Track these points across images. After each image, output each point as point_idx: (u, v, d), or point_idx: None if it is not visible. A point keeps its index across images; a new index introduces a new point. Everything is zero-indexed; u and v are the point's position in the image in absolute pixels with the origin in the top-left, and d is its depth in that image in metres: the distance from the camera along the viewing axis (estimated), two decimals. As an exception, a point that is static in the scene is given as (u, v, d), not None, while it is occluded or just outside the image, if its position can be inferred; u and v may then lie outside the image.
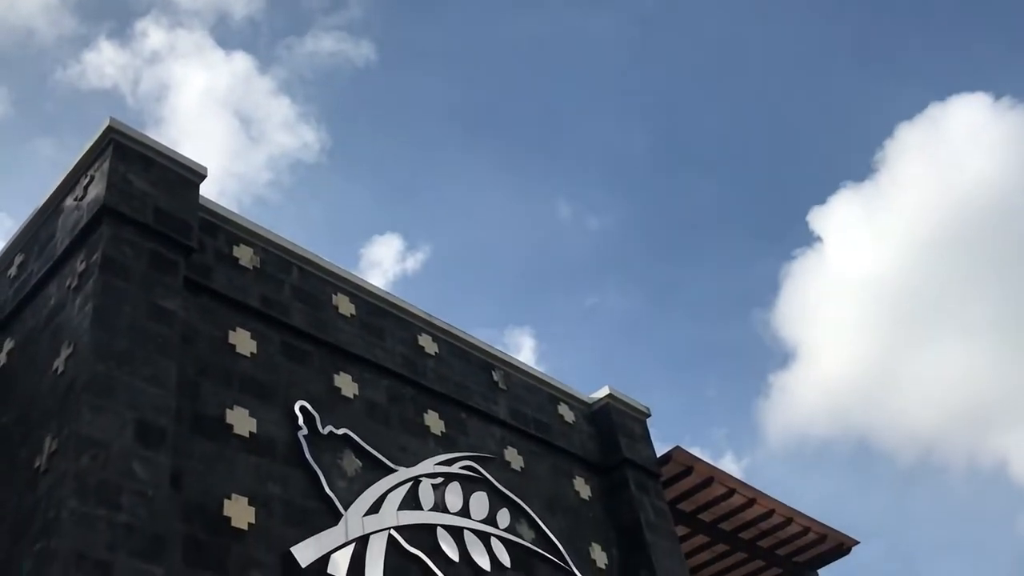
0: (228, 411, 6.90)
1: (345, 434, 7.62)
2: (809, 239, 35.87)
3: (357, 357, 8.26)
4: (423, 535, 7.65)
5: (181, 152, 7.57)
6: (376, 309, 8.82)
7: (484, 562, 7.95)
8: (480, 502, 8.40)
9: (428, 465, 8.18)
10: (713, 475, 11.40)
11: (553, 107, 33.43)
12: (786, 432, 34.03)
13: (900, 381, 32.16)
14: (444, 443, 8.54)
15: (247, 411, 7.01)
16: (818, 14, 32.58)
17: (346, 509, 7.15)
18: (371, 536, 7.19)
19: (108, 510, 5.46)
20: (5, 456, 6.34)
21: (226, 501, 6.41)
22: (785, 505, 12.12)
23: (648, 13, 32.24)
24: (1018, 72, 32.01)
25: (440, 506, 8.01)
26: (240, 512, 6.43)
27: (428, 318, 9.25)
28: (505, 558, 8.18)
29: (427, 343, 9.08)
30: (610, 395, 10.66)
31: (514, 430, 9.42)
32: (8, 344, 7.28)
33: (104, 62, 31.15)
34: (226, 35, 32.70)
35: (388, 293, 9.10)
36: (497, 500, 8.60)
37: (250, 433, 6.92)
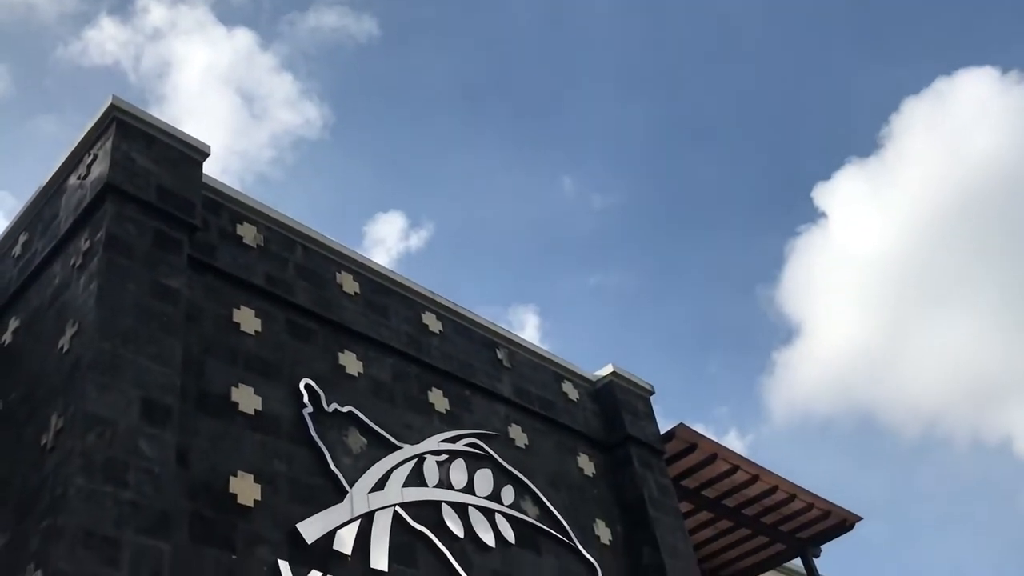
0: (233, 389, 6.92)
1: (350, 412, 7.65)
2: (814, 215, 35.83)
3: (361, 335, 8.28)
4: (428, 511, 7.69)
5: (184, 130, 7.57)
6: (380, 287, 8.83)
7: (489, 538, 8.00)
8: (484, 479, 8.44)
9: (433, 442, 8.22)
10: (717, 452, 11.43)
11: (557, 84, 33.30)
12: (790, 409, 34.12)
13: (904, 357, 32.19)
14: (448, 421, 8.57)
15: (252, 389, 7.04)
16: (823, -11, 32.36)
17: (351, 486, 7.19)
18: (376, 512, 7.23)
19: (115, 487, 5.49)
20: (11, 434, 6.38)
21: (232, 478, 6.45)
22: (788, 481, 12.15)
23: (652, -11, 32.04)
24: (1026, 46, 31.79)
25: (445, 483, 8.04)
26: (246, 489, 6.47)
27: (432, 296, 9.26)
28: (509, 534, 8.23)
29: (431, 321, 9.10)
30: (614, 373, 10.68)
31: (518, 408, 9.45)
32: (13, 323, 7.30)
33: (105, 39, 31.07)
34: (227, 11, 32.59)
35: (392, 271, 9.11)
36: (501, 477, 8.64)
37: (255, 411, 6.94)
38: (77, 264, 6.67)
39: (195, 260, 7.22)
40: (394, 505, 7.42)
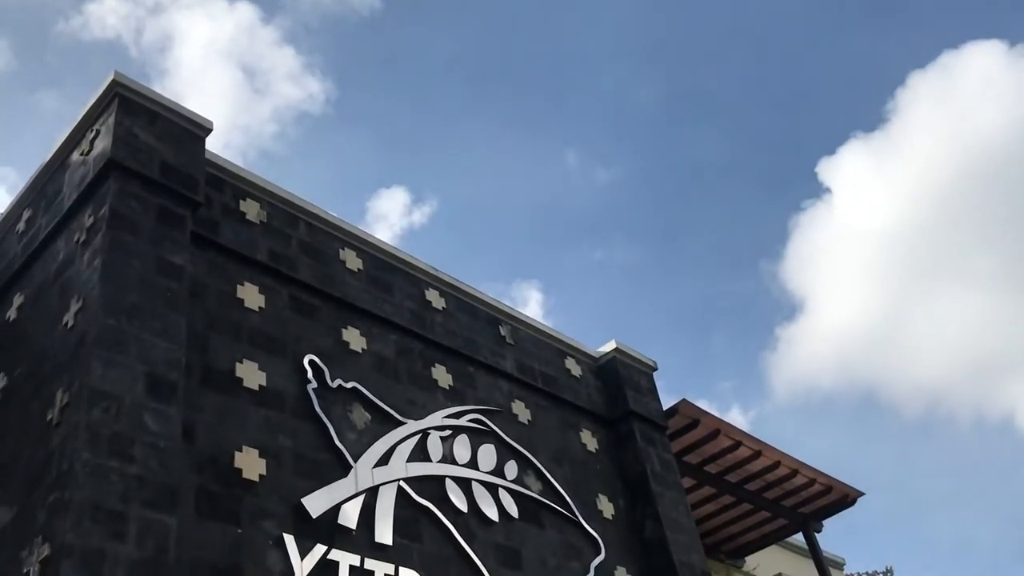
0: (238, 364, 6.95)
1: (354, 387, 7.68)
2: (818, 190, 35.70)
3: (365, 312, 8.30)
4: (432, 486, 7.74)
5: (186, 105, 7.56)
6: (383, 264, 8.84)
7: (492, 512, 8.05)
8: (488, 454, 8.48)
9: (436, 418, 8.25)
10: (719, 427, 11.48)
11: (561, 58, 33.12)
12: (793, 385, 34.17)
13: (908, 333, 32.19)
14: (452, 396, 8.60)
15: (256, 365, 7.06)
16: (829, -38, 32.08)
17: (356, 461, 7.22)
18: (381, 487, 7.28)
19: (121, 462, 5.53)
20: (17, 410, 6.42)
21: (237, 453, 6.49)
22: (791, 457, 12.21)
23: (656, -37, 31.78)
24: (1033, 20, 31.53)
25: (448, 458, 8.09)
26: (251, 464, 6.51)
27: (435, 273, 9.28)
28: (513, 509, 8.29)
29: (434, 298, 9.11)
30: (617, 349, 10.70)
31: (521, 384, 9.48)
32: (18, 299, 7.32)
33: (106, 12, 30.92)
34: (229, -14, 32.35)
35: (395, 248, 9.11)
36: (505, 452, 8.68)
37: (260, 386, 6.97)
38: (81, 240, 6.68)
39: (198, 236, 7.23)
40: (398, 480, 7.46)
